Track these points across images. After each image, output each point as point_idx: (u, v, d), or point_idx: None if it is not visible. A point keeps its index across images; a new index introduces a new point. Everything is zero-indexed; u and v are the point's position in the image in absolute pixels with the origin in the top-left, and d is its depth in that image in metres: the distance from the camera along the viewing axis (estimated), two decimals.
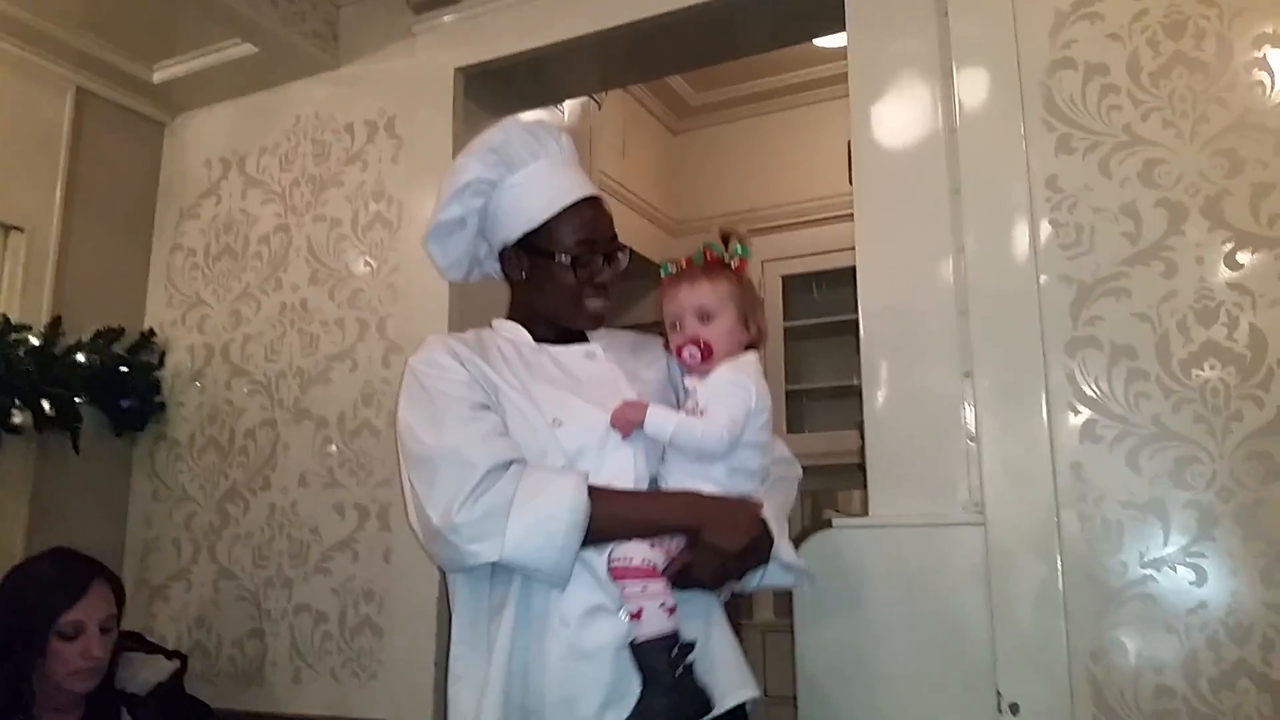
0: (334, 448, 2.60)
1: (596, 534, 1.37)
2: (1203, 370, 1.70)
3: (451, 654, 1.46)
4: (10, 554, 2.29)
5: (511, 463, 1.40)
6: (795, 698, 1.93)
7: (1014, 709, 1.73)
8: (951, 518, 1.85)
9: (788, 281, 3.98)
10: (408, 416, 1.48)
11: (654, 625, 1.35)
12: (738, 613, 3.77)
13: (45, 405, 2.50)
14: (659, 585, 1.37)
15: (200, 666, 2.62)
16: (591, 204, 1.58)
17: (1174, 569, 1.68)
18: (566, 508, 1.35)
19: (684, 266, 1.57)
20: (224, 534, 2.72)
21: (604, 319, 1.61)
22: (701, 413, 1.46)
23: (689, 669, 1.35)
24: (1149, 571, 1.70)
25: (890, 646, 1.85)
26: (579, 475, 1.39)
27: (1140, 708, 1.67)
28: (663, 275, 1.58)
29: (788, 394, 3.96)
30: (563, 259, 1.53)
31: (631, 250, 4.03)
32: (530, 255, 1.57)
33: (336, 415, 2.62)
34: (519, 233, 1.56)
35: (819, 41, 3.05)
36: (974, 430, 1.86)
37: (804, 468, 4.01)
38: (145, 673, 2.03)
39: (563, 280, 1.55)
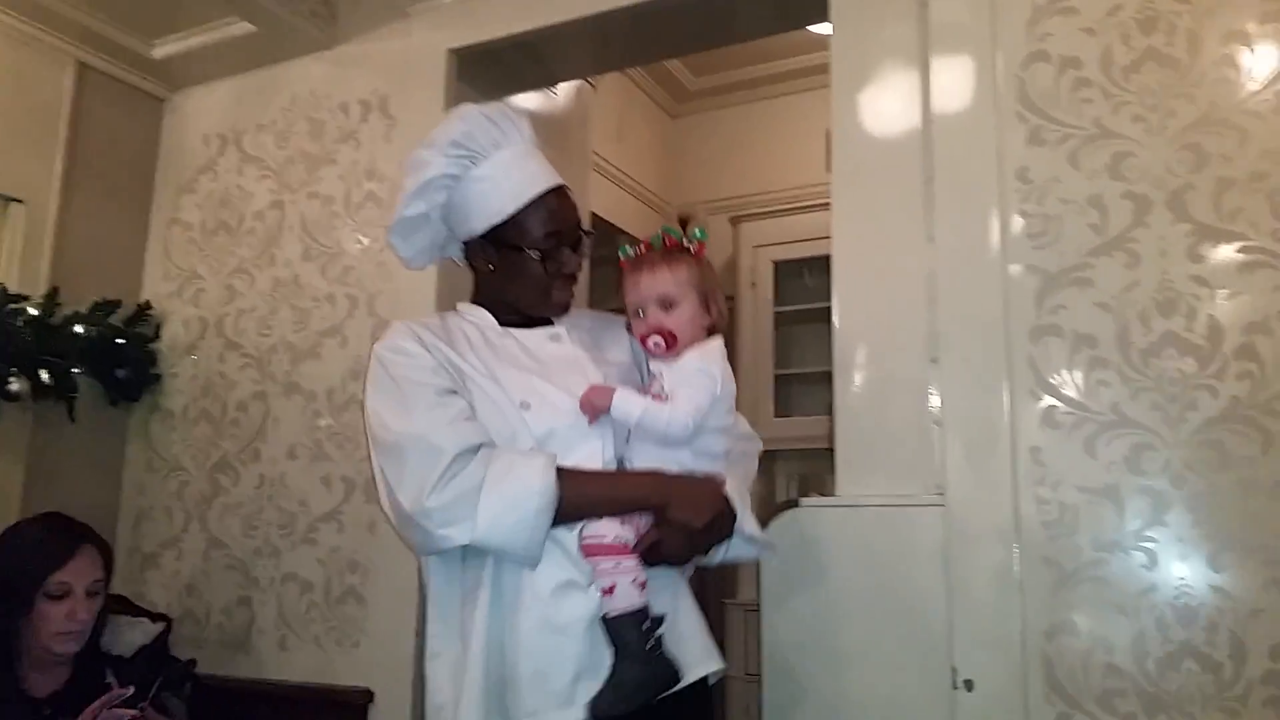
0: (323, 421, 2.65)
1: (565, 514, 1.40)
2: (1161, 360, 1.75)
3: (428, 632, 1.50)
4: (6, 519, 2.33)
5: (480, 447, 1.43)
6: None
7: (968, 685, 1.78)
8: (914, 499, 1.89)
9: (779, 266, 4.01)
10: (375, 404, 1.49)
11: (626, 600, 1.39)
12: (721, 592, 3.83)
13: (43, 374, 2.55)
14: (631, 561, 1.41)
15: (190, 633, 2.69)
16: (557, 194, 1.58)
17: (1127, 553, 1.73)
18: (536, 490, 1.38)
19: (643, 250, 1.57)
20: (215, 504, 2.78)
21: (569, 307, 1.63)
22: (667, 397, 1.49)
23: (659, 642, 1.40)
24: (1102, 554, 1.74)
25: (852, 623, 1.90)
26: (547, 457, 1.42)
27: (1090, 686, 1.72)
28: (621, 258, 1.58)
29: (777, 378, 4.00)
30: (531, 253, 1.54)
31: (625, 233, 4.04)
32: (497, 248, 1.57)
33: (326, 390, 2.67)
34: (485, 226, 1.56)
35: (816, 28, 3.06)
36: (939, 414, 1.90)
37: (792, 450, 4.06)
38: (130, 635, 2.10)
39: (531, 272, 1.56)
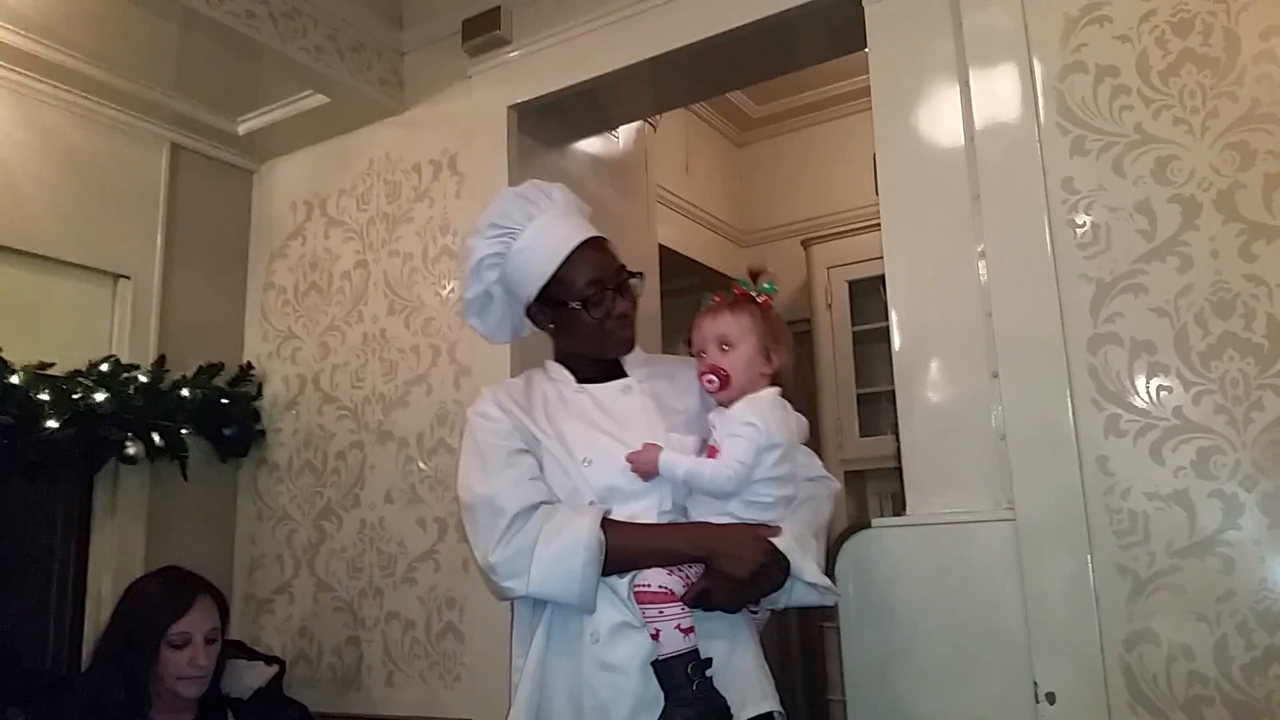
0: (418, 465, 2.78)
1: (613, 565, 1.52)
2: (1222, 362, 1.73)
3: (513, 665, 1.63)
4: (131, 573, 2.52)
5: (540, 505, 1.56)
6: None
7: (1050, 698, 1.78)
8: (983, 514, 1.91)
9: (854, 286, 4.02)
10: (463, 466, 1.66)
11: (671, 644, 1.46)
12: (821, 615, 3.82)
13: (155, 437, 2.72)
14: (675, 608, 1.48)
15: (303, 673, 2.85)
16: (593, 245, 1.69)
17: (1201, 558, 1.71)
18: (581, 545, 1.49)
19: (716, 301, 1.67)
20: (321, 549, 2.93)
21: (633, 342, 1.73)
22: (719, 447, 1.56)
23: (706, 683, 1.46)
24: (1177, 561, 1.73)
25: (931, 641, 1.92)
26: (595, 513, 1.53)
27: (1174, 694, 1.71)
28: (701, 309, 1.68)
29: (859, 397, 4.00)
30: (575, 305, 1.66)
31: (697, 263, 4.10)
32: (550, 307, 1.69)
33: (416, 435, 2.80)
34: (535, 289, 1.68)
35: None
36: (1003, 428, 1.91)
37: (879, 470, 4.03)
38: (248, 678, 2.23)
39: (583, 323, 1.67)
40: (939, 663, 1.91)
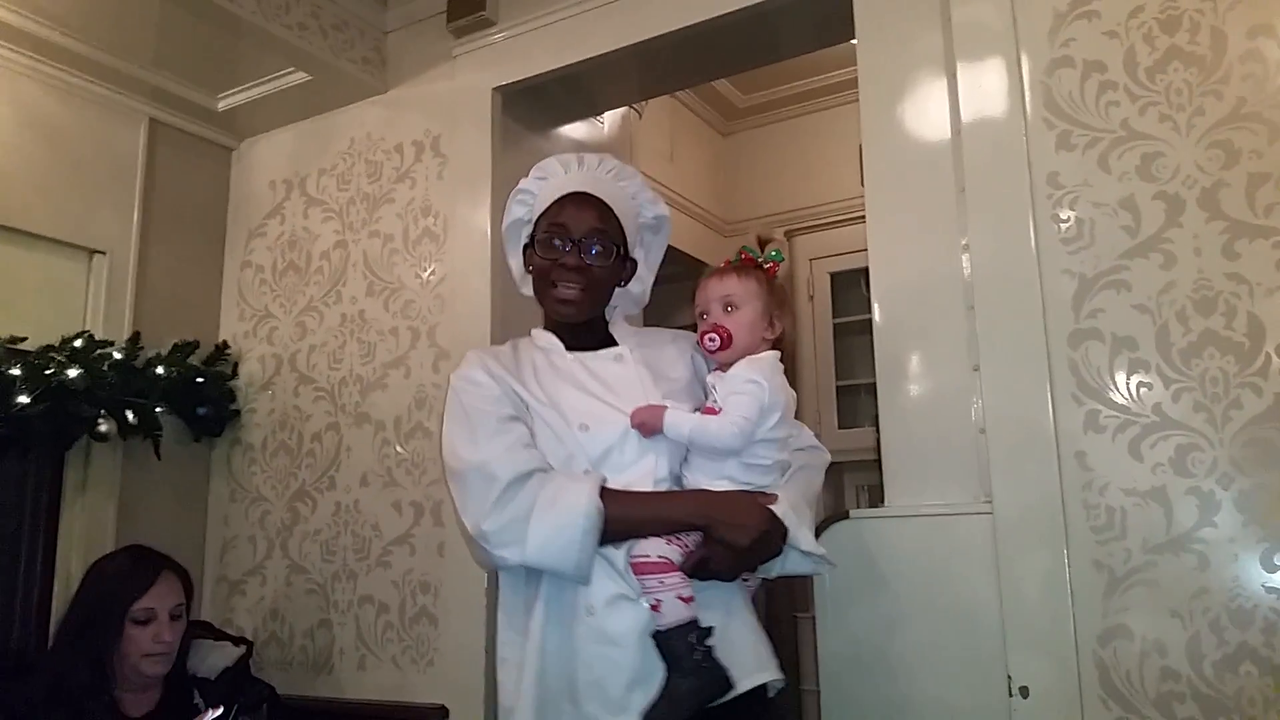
0: (395, 449, 2.76)
1: (611, 534, 1.49)
2: (1202, 359, 1.73)
3: (499, 639, 1.61)
4: (101, 552, 2.47)
5: (534, 472, 1.53)
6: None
7: (1024, 692, 1.79)
8: (961, 508, 1.91)
9: (836, 278, 4.03)
10: (448, 430, 1.63)
11: (673, 615, 1.45)
12: (793, 606, 3.84)
13: (129, 415, 2.68)
14: (675, 578, 1.47)
15: (275, 655, 2.83)
16: (574, 198, 1.69)
17: (1177, 555, 1.72)
18: (581, 513, 1.46)
19: (723, 265, 1.69)
20: (294, 531, 2.91)
21: (576, 309, 1.68)
22: (721, 409, 1.56)
23: (709, 652, 1.45)
24: (1152, 558, 1.73)
25: (907, 632, 1.92)
26: (593, 481, 1.50)
27: (1146, 690, 1.72)
28: (707, 274, 1.70)
29: (839, 389, 4.01)
30: (535, 244, 1.69)
31: (681, 252, 4.07)
32: (529, 250, 1.74)
33: (393, 419, 2.78)
34: (531, 230, 1.74)
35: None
36: (982, 422, 1.91)
37: (858, 461, 4.06)
38: (214, 658, 2.22)
39: (536, 264, 1.70)
40: (914, 655, 1.91)
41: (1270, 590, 1.64)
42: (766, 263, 1.67)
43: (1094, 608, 1.77)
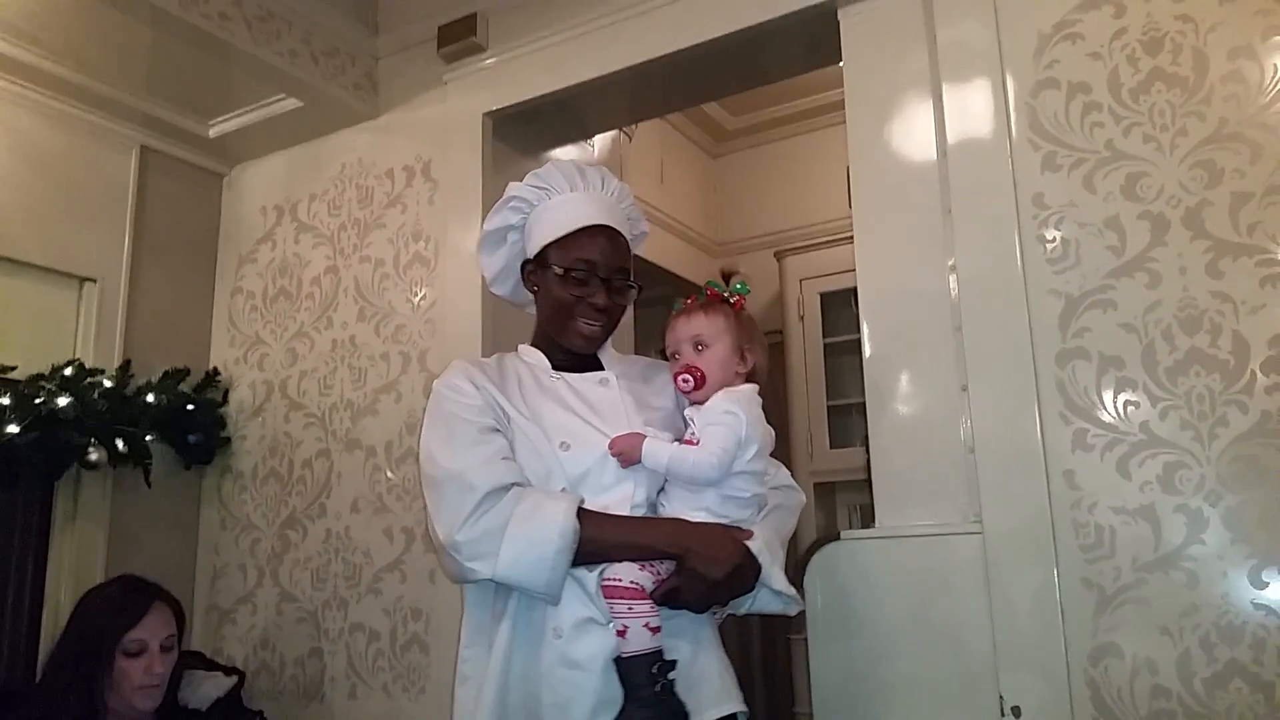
0: (385, 475, 2.75)
1: (585, 556, 1.47)
2: (1188, 378, 1.75)
3: (460, 656, 1.57)
4: (91, 581, 2.48)
5: (512, 485, 1.51)
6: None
7: (1016, 712, 1.78)
8: (952, 527, 1.91)
9: (826, 298, 4.03)
10: (426, 436, 1.61)
11: (637, 643, 1.43)
12: (787, 628, 3.82)
13: (119, 443, 2.67)
14: (644, 605, 1.45)
15: (265, 685, 2.80)
16: (604, 231, 1.68)
17: (1166, 573, 1.72)
18: (556, 532, 1.44)
19: (688, 303, 1.66)
20: (285, 559, 2.89)
21: (595, 343, 1.70)
22: (698, 441, 1.55)
23: (669, 685, 1.43)
24: (1142, 575, 1.74)
25: (899, 653, 1.92)
26: (571, 500, 1.49)
27: (1137, 708, 1.72)
28: (673, 311, 1.68)
29: (830, 409, 4.01)
30: (556, 270, 1.65)
31: (671, 273, 4.08)
32: (540, 269, 1.69)
33: (384, 444, 2.77)
34: (537, 248, 1.69)
35: None
36: (971, 442, 1.92)
37: (849, 482, 4.04)
38: (206, 688, 2.20)
39: (556, 293, 1.66)
40: (906, 674, 1.91)
41: (1259, 607, 1.65)
42: (732, 296, 1.65)
43: (1084, 626, 1.77)
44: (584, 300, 1.65)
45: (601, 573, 1.49)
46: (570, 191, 1.70)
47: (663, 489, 1.59)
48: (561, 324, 1.68)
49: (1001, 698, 1.80)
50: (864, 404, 2.10)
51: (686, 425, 1.64)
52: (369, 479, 2.78)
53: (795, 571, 1.98)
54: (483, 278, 1.85)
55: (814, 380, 4.03)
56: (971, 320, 1.94)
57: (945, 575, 1.90)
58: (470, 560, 1.47)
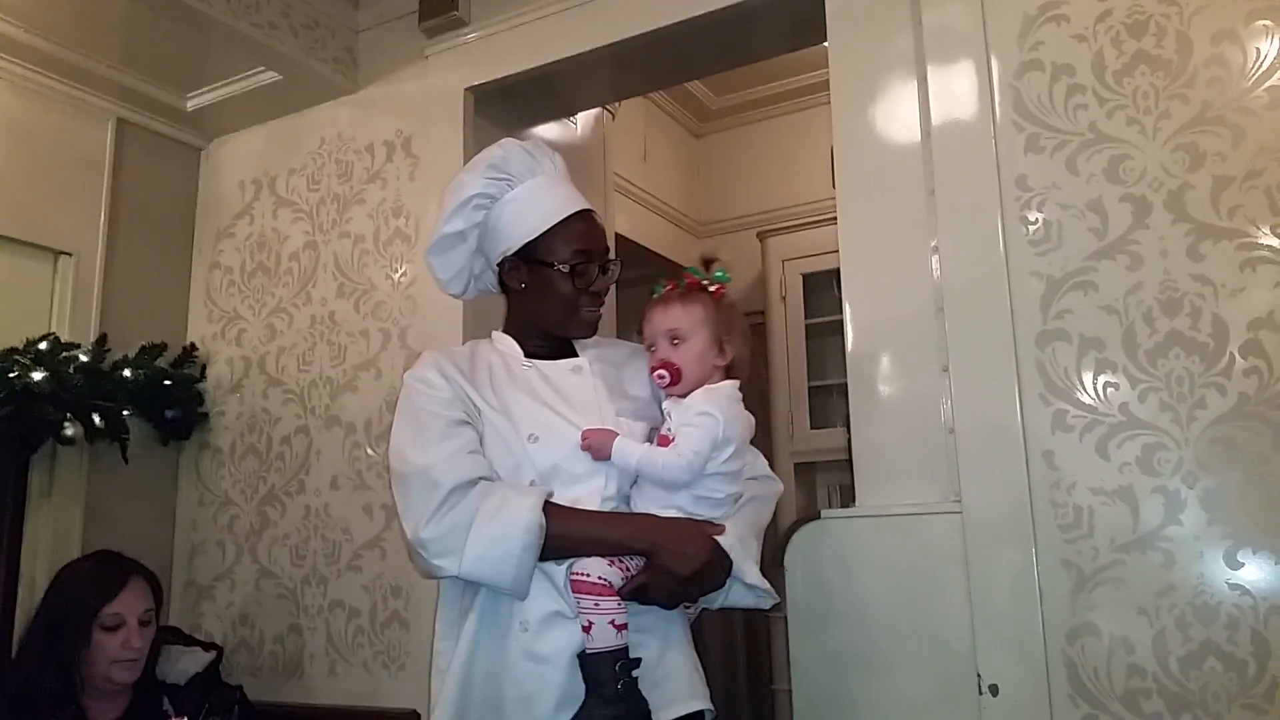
0: (365, 452, 2.74)
1: (552, 551, 1.45)
2: (1168, 360, 1.76)
3: (435, 649, 1.56)
4: (67, 557, 2.45)
5: (479, 480, 1.49)
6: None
7: (993, 690, 1.80)
8: (931, 507, 1.92)
9: (808, 279, 4.04)
10: (396, 432, 1.58)
11: (602, 639, 1.42)
12: (777, 608, 3.84)
13: (95, 418, 2.64)
14: (611, 602, 1.43)
15: (244, 661, 2.80)
16: (586, 217, 1.66)
17: (1144, 553, 1.74)
18: (521, 528, 1.42)
19: (668, 289, 1.62)
20: (264, 535, 2.88)
21: (596, 327, 1.69)
22: (674, 438, 1.52)
23: (631, 683, 1.42)
24: (1119, 556, 1.75)
25: (877, 632, 1.93)
26: (537, 495, 1.47)
27: (1113, 687, 1.73)
28: (653, 295, 1.64)
29: (811, 390, 4.02)
30: (560, 268, 1.61)
31: (654, 253, 4.07)
32: (529, 265, 1.64)
33: (364, 421, 2.76)
34: (519, 243, 1.63)
35: None
36: (952, 422, 1.92)
37: (829, 462, 4.06)
38: (183, 664, 2.19)
39: (561, 289, 1.62)
40: (884, 653, 1.92)
41: (1234, 587, 1.67)
42: (712, 284, 1.61)
43: (1062, 606, 1.78)
44: (587, 291, 1.64)
45: (570, 566, 1.47)
46: (533, 177, 1.66)
47: (635, 483, 1.57)
48: (566, 317, 1.65)
49: (979, 676, 1.81)
50: (845, 385, 2.10)
51: (664, 418, 1.61)
52: (348, 456, 2.77)
53: (774, 552, 1.99)
54: None
55: (795, 361, 4.04)
56: (953, 301, 1.95)
57: (925, 555, 1.91)
58: (436, 557, 1.45)
